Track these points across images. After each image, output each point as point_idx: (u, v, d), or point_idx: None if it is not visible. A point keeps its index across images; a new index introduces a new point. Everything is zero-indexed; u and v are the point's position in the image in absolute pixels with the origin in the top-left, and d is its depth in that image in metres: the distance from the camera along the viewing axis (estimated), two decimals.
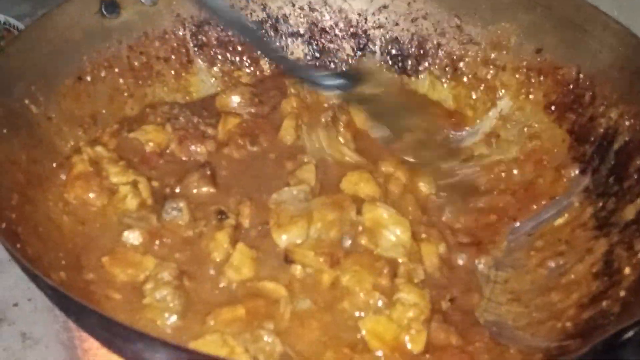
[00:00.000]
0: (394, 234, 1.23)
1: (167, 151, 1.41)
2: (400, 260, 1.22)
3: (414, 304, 1.13)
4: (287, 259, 1.22)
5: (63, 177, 1.29)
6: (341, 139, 1.44)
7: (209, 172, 1.36)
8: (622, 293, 1.12)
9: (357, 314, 1.15)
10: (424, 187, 1.39)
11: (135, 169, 1.34)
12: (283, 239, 1.24)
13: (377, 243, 1.23)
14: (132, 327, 0.87)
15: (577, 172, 1.38)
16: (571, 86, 1.43)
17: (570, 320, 1.14)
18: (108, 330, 0.90)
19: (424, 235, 1.28)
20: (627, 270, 1.15)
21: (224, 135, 1.43)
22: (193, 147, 1.41)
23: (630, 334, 0.94)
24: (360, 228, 1.25)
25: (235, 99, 1.49)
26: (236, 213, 1.29)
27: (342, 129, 1.45)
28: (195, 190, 1.33)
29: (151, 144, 1.40)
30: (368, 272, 1.17)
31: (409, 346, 1.11)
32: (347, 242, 1.24)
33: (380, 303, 1.15)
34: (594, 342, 0.93)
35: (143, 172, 1.35)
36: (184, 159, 1.40)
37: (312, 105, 1.48)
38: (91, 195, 1.28)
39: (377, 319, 1.13)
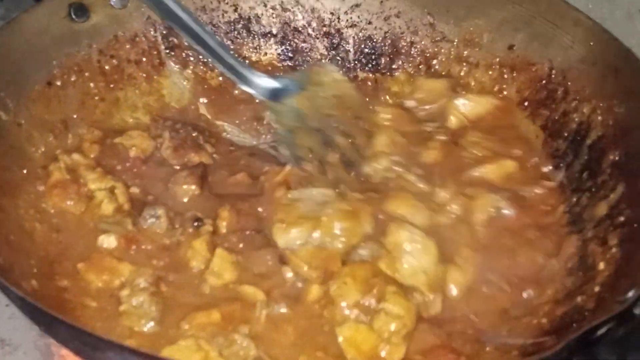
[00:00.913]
0: (417, 260, 1.18)
1: (157, 155, 1.41)
2: (418, 289, 1.17)
3: (398, 317, 1.10)
4: (282, 260, 1.21)
5: (41, 187, 1.28)
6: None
7: (200, 173, 1.36)
8: (597, 289, 1.12)
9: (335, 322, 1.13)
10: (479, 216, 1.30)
11: (114, 175, 1.33)
12: (282, 239, 1.23)
13: (397, 268, 1.18)
14: (100, 335, 0.86)
15: (550, 167, 1.38)
16: (544, 82, 1.44)
17: (546, 316, 1.14)
18: (77, 340, 0.89)
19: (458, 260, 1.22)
20: (601, 266, 1.15)
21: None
22: (188, 156, 1.41)
23: (603, 330, 0.94)
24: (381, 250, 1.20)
25: None
26: (214, 218, 1.28)
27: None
28: (182, 187, 1.33)
29: (135, 149, 1.39)
30: (357, 289, 1.14)
31: (387, 357, 1.09)
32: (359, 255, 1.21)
33: (360, 317, 1.12)
34: (568, 339, 0.93)
35: (123, 179, 1.34)
36: (175, 165, 1.40)
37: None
38: (69, 202, 1.28)
39: (357, 327, 1.11)
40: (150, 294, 1.14)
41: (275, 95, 1.44)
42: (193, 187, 1.34)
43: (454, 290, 1.18)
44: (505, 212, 1.29)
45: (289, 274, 1.20)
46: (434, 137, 1.43)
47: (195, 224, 1.26)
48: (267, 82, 1.45)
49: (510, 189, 1.33)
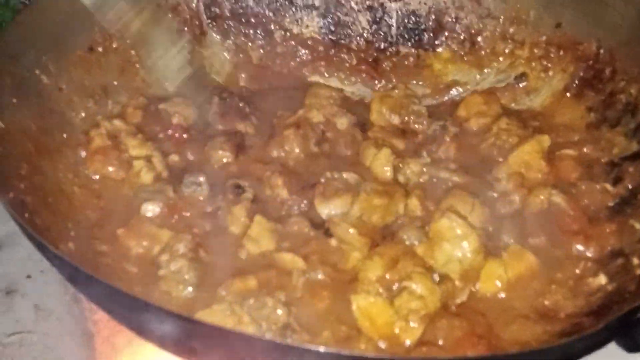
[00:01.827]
0: (457, 247, 1.15)
1: (199, 124, 1.42)
2: (450, 277, 1.15)
3: (421, 297, 1.09)
4: (327, 231, 1.22)
5: (82, 153, 1.30)
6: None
7: (237, 140, 1.37)
8: (638, 271, 1.10)
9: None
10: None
11: (155, 142, 1.34)
12: (325, 210, 1.25)
13: (434, 256, 1.16)
14: (137, 296, 0.86)
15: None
16: (591, 61, 1.41)
17: (585, 298, 1.12)
18: (113, 300, 0.90)
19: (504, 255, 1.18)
20: None
21: (294, 120, 1.42)
22: (234, 123, 1.42)
23: None
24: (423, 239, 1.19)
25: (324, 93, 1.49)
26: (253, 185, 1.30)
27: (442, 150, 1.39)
28: (218, 152, 1.34)
29: (177, 115, 1.40)
30: (382, 265, 1.14)
31: (400, 335, 1.08)
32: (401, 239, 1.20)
33: (381, 291, 1.11)
34: (609, 319, 0.91)
35: (164, 146, 1.35)
36: (219, 130, 1.40)
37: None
38: (110, 169, 1.29)
39: (374, 300, 1.10)
40: (189, 260, 1.15)
41: None
42: (228, 153, 1.35)
43: (497, 284, 1.15)
44: (558, 202, 1.25)
45: (333, 241, 1.20)
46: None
47: (237, 190, 1.27)
48: None
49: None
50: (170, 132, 1.39)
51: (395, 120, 1.45)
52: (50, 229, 1.11)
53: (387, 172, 1.34)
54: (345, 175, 1.31)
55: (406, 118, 1.45)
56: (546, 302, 1.13)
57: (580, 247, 1.20)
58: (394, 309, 1.09)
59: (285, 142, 1.38)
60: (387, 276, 1.13)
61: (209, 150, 1.36)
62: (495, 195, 1.29)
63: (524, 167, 1.31)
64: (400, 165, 1.34)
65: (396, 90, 1.50)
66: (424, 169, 1.33)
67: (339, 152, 1.42)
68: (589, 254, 1.19)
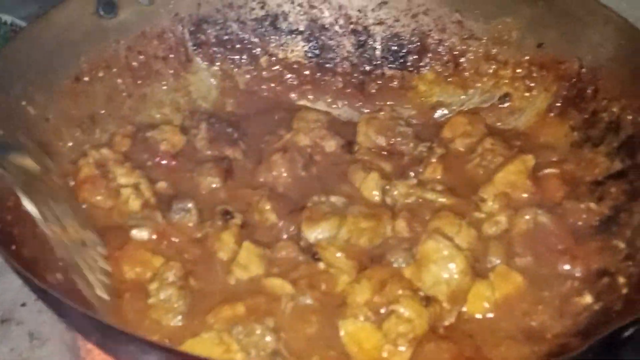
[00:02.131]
0: (444, 269, 1.15)
1: (187, 150, 1.42)
2: (437, 299, 1.14)
3: (409, 320, 1.09)
4: (315, 255, 1.22)
5: (71, 183, 1.30)
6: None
7: (225, 166, 1.38)
8: (625, 290, 1.11)
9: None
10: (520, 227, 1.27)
11: (143, 170, 1.34)
12: (312, 234, 1.25)
13: (420, 277, 1.16)
14: (122, 328, 0.86)
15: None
16: (573, 80, 1.42)
17: (572, 318, 1.13)
18: (99, 333, 0.90)
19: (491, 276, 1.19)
20: (630, 268, 1.14)
21: (281, 145, 1.43)
22: (222, 149, 1.42)
23: (630, 331, 0.93)
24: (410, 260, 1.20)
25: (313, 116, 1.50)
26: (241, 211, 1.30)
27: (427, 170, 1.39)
28: (206, 178, 1.35)
29: (165, 143, 1.40)
30: (369, 289, 1.14)
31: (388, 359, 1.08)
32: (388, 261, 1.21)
33: (369, 315, 1.11)
34: (593, 340, 0.91)
35: (152, 173, 1.35)
36: (208, 156, 1.41)
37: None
38: (98, 197, 1.29)
39: (362, 324, 1.10)
40: (178, 288, 1.15)
41: None
42: (216, 179, 1.36)
43: (484, 305, 1.16)
44: (544, 222, 1.26)
45: (321, 265, 1.21)
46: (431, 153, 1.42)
47: (225, 216, 1.27)
48: None
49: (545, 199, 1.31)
50: (158, 159, 1.40)
51: (382, 142, 1.46)
52: (38, 260, 1.11)
53: (375, 196, 1.34)
54: (332, 198, 1.31)
55: (392, 140, 1.46)
56: (533, 323, 1.14)
57: (566, 267, 1.20)
58: (382, 332, 1.09)
59: (273, 167, 1.39)
60: (375, 299, 1.12)
61: (197, 176, 1.37)
62: (482, 216, 1.29)
63: (509, 187, 1.32)
64: (387, 187, 1.34)
65: (382, 113, 1.50)
66: (411, 191, 1.33)
67: (327, 175, 1.42)
68: (575, 274, 1.19)
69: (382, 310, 1.11)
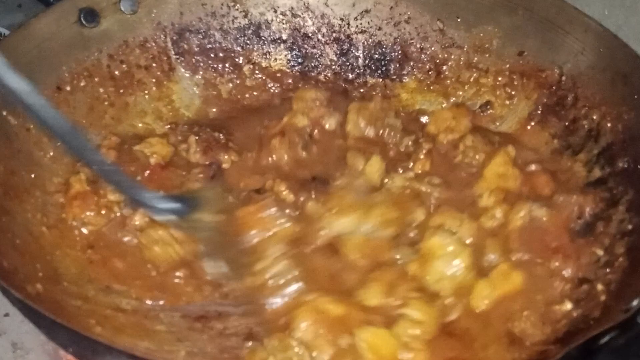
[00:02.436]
0: (448, 265, 1.16)
1: (176, 161, 1.41)
2: (441, 294, 1.16)
3: (419, 322, 1.09)
4: (332, 246, 1.23)
5: (60, 199, 1.30)
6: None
7: (212, 172, 1.38)
8: (603, 297, 1.11)
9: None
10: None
11: None
12: (335, 226, 1.25)
13: (425, 273, 1.17)
14: (99, 339, 0.86)
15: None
16: (554, 88, 1.43)
17: (551, 325, 1.13)
18: (76, 344, 0.90)
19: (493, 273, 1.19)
20: (607, 274, 1.14)
21: (279, 128, 1.43)
22: (218, 156, 1.42)
23: (606, 338, 0.93)
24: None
25: (312, 95, 1.49)
26: None
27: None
28: (194, 184, 1.35)
29: (156, 156, 1.39)
30: (381, 291, 1.14)
31: None
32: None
33: (380, 320, 1.11)
34: (569, 348, 0.92)
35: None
36: (206, 163, 1.41)
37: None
38: (89, 214, 1.28)
39: (376, 332, 1.09)
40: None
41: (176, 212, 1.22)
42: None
43: (484, 302, 1.16)
44: (539, 215, 1.26)
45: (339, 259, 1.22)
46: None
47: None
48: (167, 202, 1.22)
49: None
50: (148, 172, 1.38)
51: (371, 132, 1.46)
52: (18, 271, 1.10)
53: (380, 178, 1.35)
54: (359, 181, 1.32)
55: (381, 131, 1.46)
56: (515, 330, 1.14)
57: (557, 264, 1.21)
58: (395, 337, 1.09)
59: (272, 152, 1.39)
60: (386, 303, 1.13)
61: (186, 183, 1.36)
62: (478, 210, 1.30)
63: (501, 179, 1.33)
64: (386, 180, 1.35)
65: (372, 103, 1.50)
66: (407, 183, 1.34)
67: (329, 154, 1.43)
68: (565, 274, 1.20)
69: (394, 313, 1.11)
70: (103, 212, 1.29)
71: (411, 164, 1.39)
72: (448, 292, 1.15)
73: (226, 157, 1.42)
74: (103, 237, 1.27)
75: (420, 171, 1.38)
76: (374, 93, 1.59)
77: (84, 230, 1.27)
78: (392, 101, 1.59)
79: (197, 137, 1.43)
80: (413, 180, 1.34)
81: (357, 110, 1.48)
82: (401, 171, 1.37)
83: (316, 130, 1.46)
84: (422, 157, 1.39)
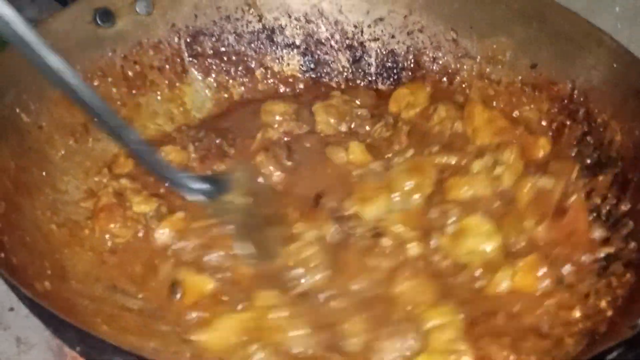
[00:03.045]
0: (478, 243, 1.21)
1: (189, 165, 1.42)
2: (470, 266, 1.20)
3: (445, 324, 1.11)
4: (376, 232, 1.24)
5: (83, 205, 1.32)
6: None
7: None
8: (609, 313, 1.11)
9: None
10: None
11: (157, 196, 1.33)
12: (369, 212, 1.27)
13: (456, 245, 1.22)
14: (107, 339, 0.86)
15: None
16: (565, 102, 1.42)
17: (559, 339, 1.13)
18: (83, 342, 0.90)
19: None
20: (615, 290, 1.14)
21: (258, 145, 1.44)
22: (214, 165, 1.41)
23: (613, 355, 0.93)
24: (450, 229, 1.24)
25: (278, 109, 1.50)
26: None
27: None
28: None
29: (173, 164, 1.39)
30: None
31: None
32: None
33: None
34: None
35: (167, 197, 1.34)
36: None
37: None
38: (115, 226, 1.29)
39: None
40: None
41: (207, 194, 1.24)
42: None
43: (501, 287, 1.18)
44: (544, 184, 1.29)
45: (387, 242, 1.23)
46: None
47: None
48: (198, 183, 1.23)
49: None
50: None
51: (343, 127, 1.48)
52: (27, 268, 1.11)
53: (369, 159, 1.38)
54: (372, 165, 1.35)
55: (352, 124, 1.49)
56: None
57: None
58: (437, 352, 1.09)
59: (260, 168, 1.39)
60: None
61: None
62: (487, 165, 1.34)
63: (494, 129, 1.40)
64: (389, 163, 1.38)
65: (334, 99, 1.51)
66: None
67: (312, 156, 1.44)
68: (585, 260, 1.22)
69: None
70: (129, 224, 1.30)
71: (396, 147, 1.41)
72: (477, 264, 1.19)
73: (222, 167, 1.41)
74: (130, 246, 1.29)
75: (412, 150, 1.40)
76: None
77: (109, 243, 1.29)
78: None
79: (197, 144, 1.44)
80: (416, 156, 1.37)
81: (323, 109, 1.49)
82: (390, 155, 1.40)
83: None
84: (403, 139, 1.42)
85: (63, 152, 1.35)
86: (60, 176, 1.33)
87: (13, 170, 1.23)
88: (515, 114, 1.47)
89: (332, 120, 1.48)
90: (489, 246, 1.20)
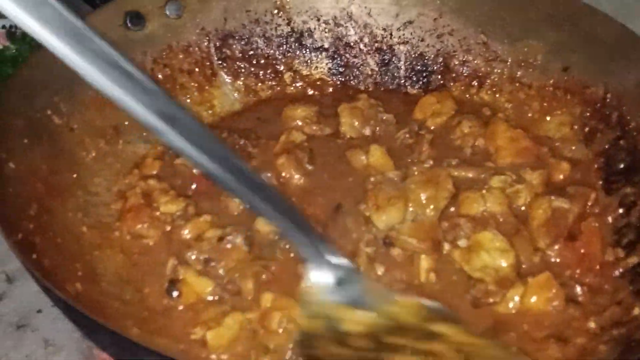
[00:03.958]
0: (492, 258, 1.19)
1: None
2: (484, 281, 1.18)
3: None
4: (387, 242, 1.24)
5: (113, 206, 1.32)
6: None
7: None
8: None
9: None
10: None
11: (185, 196, 1.33)
12: (382, 222, 1.26)
13: (469, 259, 1.21)
14: (140, 342, 0.86)
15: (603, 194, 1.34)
16: (598, 105, 1.41)
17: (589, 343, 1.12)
18: (116, 345, 0.90)
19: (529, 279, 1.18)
20: None
21: (281, 147, 1.43)
22: None
23: None
24: (462, 243, 1.23)
25: (301, 113, 1.50)
26: None
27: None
28: (233, 201, 1.32)
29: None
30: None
31: None
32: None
33: None
34: None
35: (194, 198, 1.34)
36: None
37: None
38: (143, 226, 1.28)
39: None
40: None
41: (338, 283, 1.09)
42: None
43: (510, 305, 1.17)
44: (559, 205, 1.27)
45: (397, 252, 1.23)
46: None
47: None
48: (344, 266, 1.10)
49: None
50: (195, 185, 1.37)
51: (367, 131, 1.48)
52: (58, 270, 1.11)
53: (390, 164, 1.38)
54: (389, 174, 1.33)
55: (377, 128, 1.48)
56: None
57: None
58: None
59: (281, 171, 1.38)
60: None
61: (225, 198, 1.34)
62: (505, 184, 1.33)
63: (513, 145, 1.39)
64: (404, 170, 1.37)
65: (361, 101, 1.50)
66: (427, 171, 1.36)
67: (334, 160, 1.43)
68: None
69: None
70: (156, 224, 1.29)
71: (417, 155, 1.41)
72: (491, 279, 1.17)
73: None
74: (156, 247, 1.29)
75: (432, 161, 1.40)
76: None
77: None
78: None
79: None
80: (434, 167, 1.37)
81: (349, 111, 1.49)
82: (409, 161, 1.40)
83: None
84: (425, 148, 1.42)
85: (94, 154, 1.36)
86: (91, 178, 1.33)
87: (45, 173, 1.23)
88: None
89: (356, 123, 1.47)
90: (504, 262, 1.19)
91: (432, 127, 1.48)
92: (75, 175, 1.30)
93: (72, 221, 1.24)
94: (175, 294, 1.18)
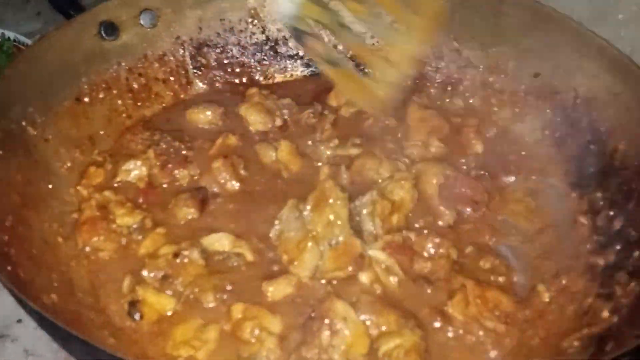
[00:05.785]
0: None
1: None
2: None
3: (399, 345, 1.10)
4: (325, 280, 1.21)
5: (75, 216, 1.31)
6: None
7: (200, 197, 1.34)
8: (615, 320, 1.11)
9: None
10: None
11: (140, 208, 1.33)
12: (306, 270, 1.21)
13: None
14: (114, 353, 0.87)
15: (574, 195, 1.36)
16: (569, 110, 1.43)
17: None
18: (91, 356, 0.90)
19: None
20: (620, 300, 1.14)
21: (217, 150, 1.43)
22: (176, 172, 1.39)
23: None
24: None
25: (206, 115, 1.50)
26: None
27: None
28: (182, 209, 1.32)
29: (137, 181, 1.38)
30: None
31: None
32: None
33: None
34: None
35: (151, 210, 1.34)
36: (164, 184, 1.38)
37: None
38: (98, 239, 1.27)
39: None
40: None
41: None
42: (192, 210, 1.32)
43: None
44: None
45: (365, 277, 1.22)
46: None
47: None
48: None
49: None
50: (142, 199, 1.37)
51: (278, 122, 1.51)
52: (34, 281, 1.12)
53: (297, 159, 1.41)
54: (284, 212, 1.28)
55: (286, 117, 1.51)
56: None
57: None
58: None
59: (216, 174, 1.37)
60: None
61: (172, 207, 1.33)
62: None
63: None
64: (320, 150, 1.42)
65: (255, 98, 1.52)
66: (338, 151, 1.42)
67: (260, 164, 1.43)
68: None
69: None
70: (112, 236, 1.28)
71: (318, 135, 1.45)
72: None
73: (184, 172, 1.39)
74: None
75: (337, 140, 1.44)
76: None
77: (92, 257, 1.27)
78: None
79: (155, 148, 1.41)
80: (337, 148, 1.40)
81: (249, 108, 1.50)
82: (310, 142, 1.44)
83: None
84: (327, 127, 1.45)
85: (69, 165, 1.36)
86: (66, 188, 1.34)
87: (20, 183, 1.23)
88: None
89: (262, 117, 1.50)
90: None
91: (346, 116, 1.52)
92: (50, 186, 1.30)
93: (47, 232, 1.24)
94: (137, 316, 1.16)
